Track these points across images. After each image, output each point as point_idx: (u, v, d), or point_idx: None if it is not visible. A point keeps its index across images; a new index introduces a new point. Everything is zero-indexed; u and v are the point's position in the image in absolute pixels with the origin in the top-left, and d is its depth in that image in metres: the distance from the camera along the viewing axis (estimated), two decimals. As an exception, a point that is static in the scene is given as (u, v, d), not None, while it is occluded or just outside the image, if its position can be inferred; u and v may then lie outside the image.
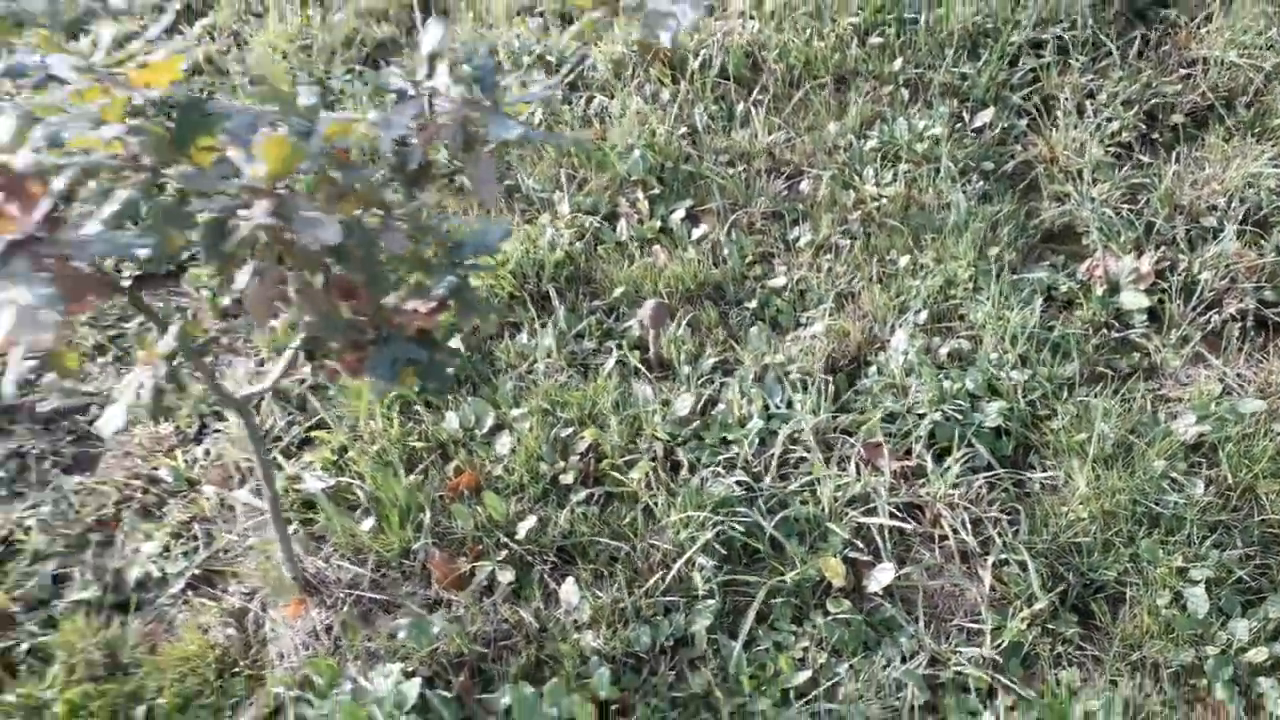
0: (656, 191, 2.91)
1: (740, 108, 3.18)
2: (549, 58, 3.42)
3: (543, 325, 2.52)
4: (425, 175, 1.28)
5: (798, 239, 2.78)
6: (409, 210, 1.21)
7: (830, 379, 2.37)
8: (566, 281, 2.66)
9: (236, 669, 1.88)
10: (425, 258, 1.24)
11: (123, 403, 1.38)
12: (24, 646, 1.94)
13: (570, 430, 2.28)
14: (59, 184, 1.11)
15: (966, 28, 3.43)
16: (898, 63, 3.31)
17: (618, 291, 2.61)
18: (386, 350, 1.22)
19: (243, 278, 1.26)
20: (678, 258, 2.71)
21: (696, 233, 2.81)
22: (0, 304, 1.08)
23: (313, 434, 2.30)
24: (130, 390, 1.38)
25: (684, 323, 2.53)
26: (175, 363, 1.39)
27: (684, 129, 3.10)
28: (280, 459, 2.23)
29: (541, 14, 3.70)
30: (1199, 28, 3.40)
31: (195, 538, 2.12)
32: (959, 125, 3.11)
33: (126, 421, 1.39)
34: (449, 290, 1.23)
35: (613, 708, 1.80)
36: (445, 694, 1.79)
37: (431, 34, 1.31)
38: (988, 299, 2.53)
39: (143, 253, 1.15)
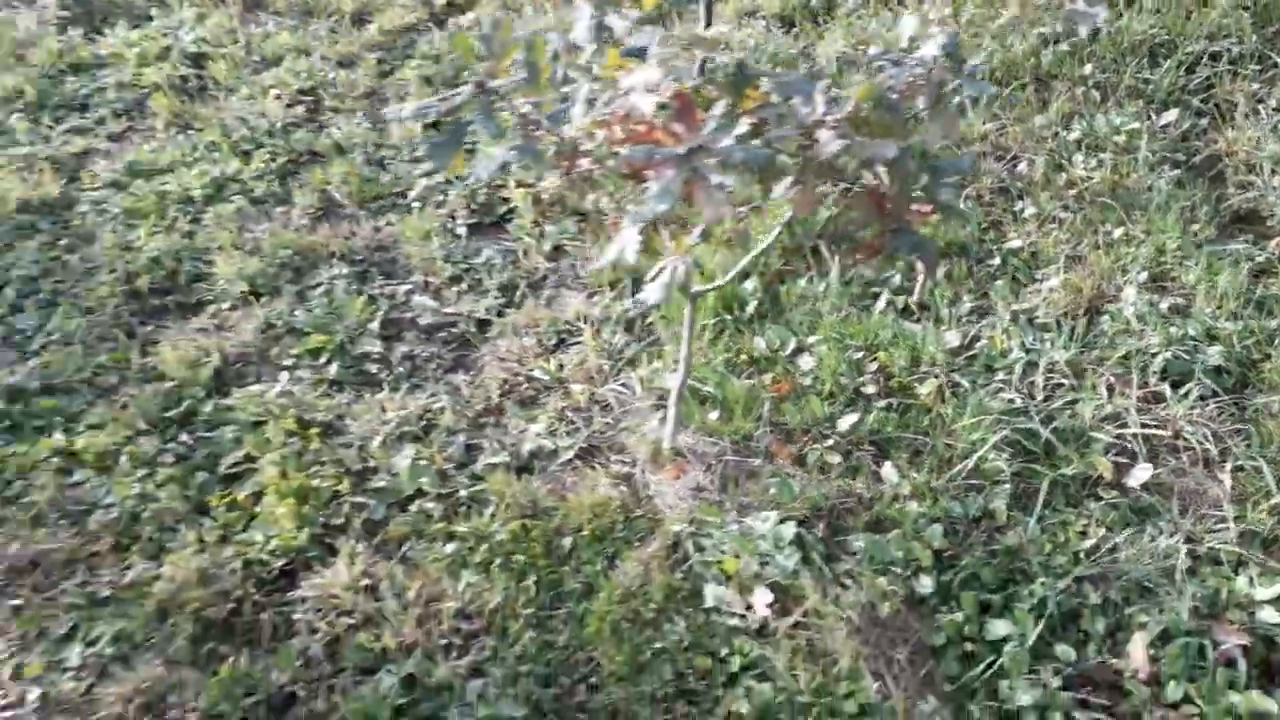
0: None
1: (955, 101, 3.67)
2: (779, 54, 3.93)
3: (820, 273, 3.02)
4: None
5: (1022, 211, 3.26)
6: (911, 142, 1.72)
7: (1073, 323, 2.84)
8: (830, 239, 3.16)
9: (636, 514, 2.40)
10: (920, 175, 1.75)
11: (661, 280, 1.89)
12: (462, 493, 2.47)
13: (860, 354, 2.77)
14: (718, 108, 1.62)
15: (1144, 39, 3.90)
16: (1088, 67, 3.78)
17: (879, 248, 3.11)
18: (903, 239, 1.73)
19: (780, 189, 1.78)
20: (923, 222, 3.20)
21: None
22: (659, 194, 1.59)
23: (647, 350, 2.81)
24: (667, 272, 1.90)
25: (940, 274, 3.02)
26: (695, 255, 1.90)
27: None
28: (627, 368, 2.76)
29: (764, 17, 4.22)
30: (1350, 45, 3.84)
31: (572, 422, 2.65)
32: (1147, 123, 3.57)
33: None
34: (943, 199, 1.74)
35: (945, 554, 2.29)
36: (815, 534, 2.29)
37: (908, 24, 1.82)
38: (1196, 264, 2.99)
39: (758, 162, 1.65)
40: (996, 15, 3.85)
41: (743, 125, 1.63)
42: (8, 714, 2.09)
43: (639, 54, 1.87)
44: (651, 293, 1.91)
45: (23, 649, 2.19)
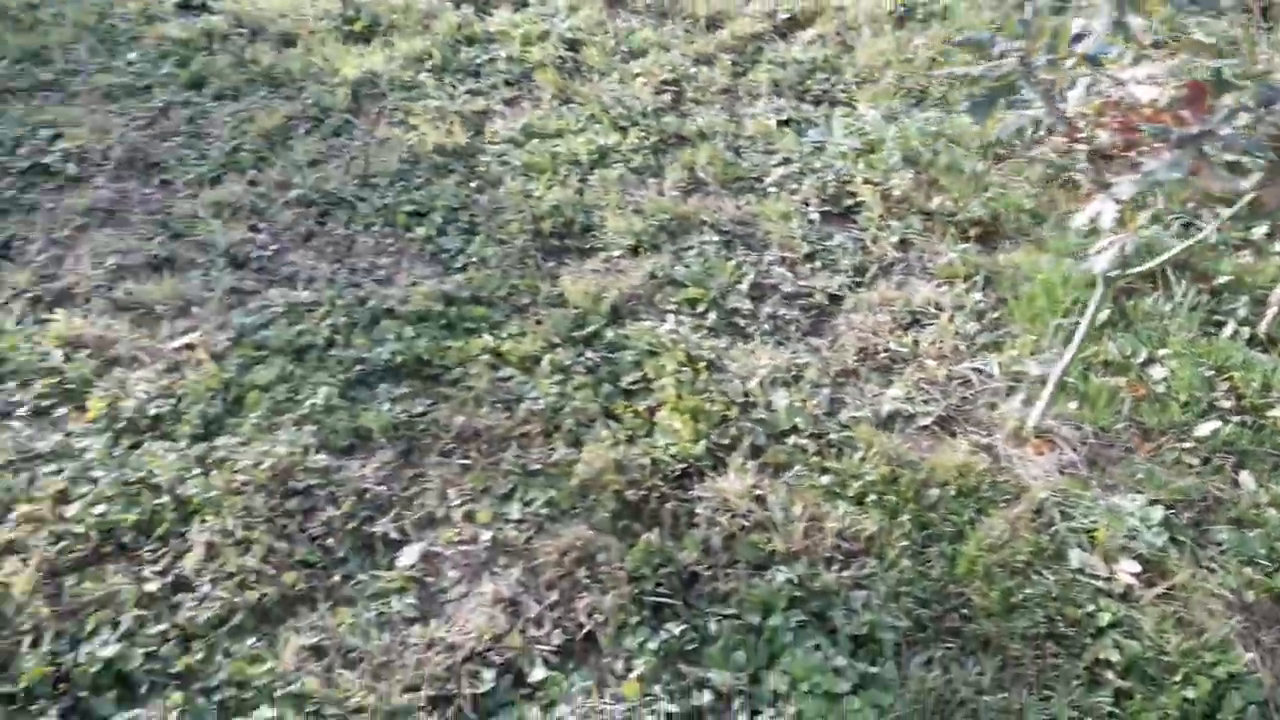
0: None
1: None
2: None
3: (1167, 295, 3.17)
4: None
5: (1373, 266, 3.30)
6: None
7: None
8: (1174, 266, 3.30)
9: (1001, 479, 2.61)
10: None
11: (1107, 255, 2.13)
12: (832, 436, 2.76)
13: (1210, 373, 2.90)
14: (1226, 100, 1.86)
15: None
16: None
17: (1223, 279, 3.23)
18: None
19: (1246, 184, 1.98)
20: (1265, 261, 3.30)
21: (1278, 246, 3.38)
22: (1171, 166, 1.83)
23: (998, 338, 3.04)
24: (1115, 247, 2.13)
25: (1287, 311, 3.10)
26: (1143, 236, 2.12)
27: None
28: (983, 352, 2.99)
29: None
30: None
31: (929, 392, 2.90)
32: None
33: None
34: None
35: (1302, 557, 2.41)
36: (1181, 520, 2.45)
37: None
38: None
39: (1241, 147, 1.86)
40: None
41: (1243, 118, 1.85)
42: (464, 547, 2.51)
43: (1094, 60, 2.13)
44: (1099, 261, 2.15)
45: (472, 500, 2.61)
